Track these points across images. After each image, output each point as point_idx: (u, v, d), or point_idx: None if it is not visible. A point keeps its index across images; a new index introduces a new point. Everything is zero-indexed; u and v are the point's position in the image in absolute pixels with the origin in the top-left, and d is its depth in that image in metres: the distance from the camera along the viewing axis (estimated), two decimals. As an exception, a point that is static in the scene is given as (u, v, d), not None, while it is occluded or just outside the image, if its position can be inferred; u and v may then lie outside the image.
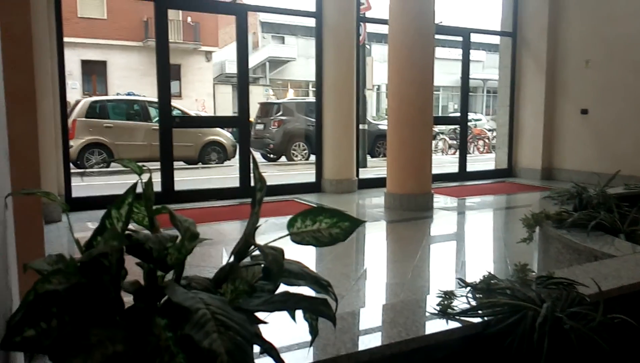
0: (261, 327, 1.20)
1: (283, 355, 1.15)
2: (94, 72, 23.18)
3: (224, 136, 13.42)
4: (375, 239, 4.99)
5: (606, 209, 3.56)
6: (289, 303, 1.17)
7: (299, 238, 1.24)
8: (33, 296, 0.98)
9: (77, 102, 12.34)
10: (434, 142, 13.72)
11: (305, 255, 3.48)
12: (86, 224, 5.18)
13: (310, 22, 7.74)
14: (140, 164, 1.35)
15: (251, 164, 1.34)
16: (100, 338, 0.94)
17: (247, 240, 1.21)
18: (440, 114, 28.97)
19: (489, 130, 18.77)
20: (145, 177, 1.31)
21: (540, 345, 1.65)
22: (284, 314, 1.33)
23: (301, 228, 1.24)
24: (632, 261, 2.50)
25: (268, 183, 1.32)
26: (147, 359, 0.95)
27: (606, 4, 8.00)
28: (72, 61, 20.78)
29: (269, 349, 1.10)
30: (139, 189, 1.25)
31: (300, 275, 1.23)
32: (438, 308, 1.89)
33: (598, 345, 1.66)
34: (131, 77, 22.75)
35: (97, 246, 1.08)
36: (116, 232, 1.09)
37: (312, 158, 9.73)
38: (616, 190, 4.49)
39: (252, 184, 1.30)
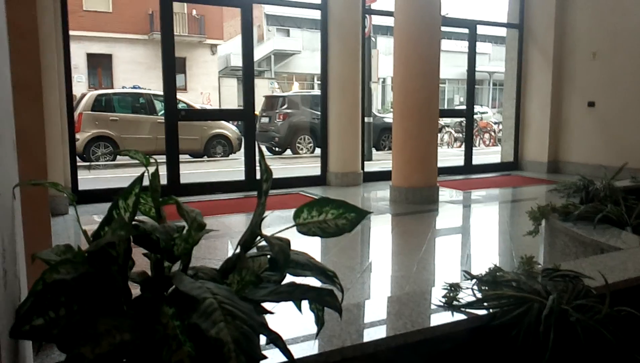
0: (267, 317, 1.20)
1: (289, 346, 1.16)
2: (100, 65, 23.24)
3: (230, 129, 13.44)
4: (381, 232, 4.99)
5: (613, 202, 3.55)
6: (296, 294, 1.17)
7: (305, 229, 1.24)
8: (41, 285, 0.99)
9: (83, 95, 12.39)
10: (439, 135, 13.67)
11: (310, 248, 3.49)
12: (92, 217, 5.21)
13: (316, 14, 7.71)
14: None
15: (257, 156, 1.33)
16: (108, 327, 0.95)
17: (254, 230, 1.21)
18: (446, 107, 28.86)
19: (495, 123, 18.68)
20: (151, 168, 1.32)
21: (546, 337, 1.65)
22: (290, 305, 1.34)
23: (307, 219, 1.24)
24: (639, 254, 2.49)
25: (273, 176, 1.32)
26: (154, 348, 0.96)
27: (614, -5, 7.92)
28: (78, 55, 20.82)
29: (275, 339, 1.11)
30: (146, 181, 1.25)
31: (307, 265, 1.23)
32: (443, 300, 1.89)
33: (604, 338, 1.66)
34: (137, 71, 22.79)
35: (104, 236, 1.09)
36: (123, 222, 1.10)
37: (318, 151, 9.72)
38: (623, 183, 4.47)
39: (258, 176, 1.30)
